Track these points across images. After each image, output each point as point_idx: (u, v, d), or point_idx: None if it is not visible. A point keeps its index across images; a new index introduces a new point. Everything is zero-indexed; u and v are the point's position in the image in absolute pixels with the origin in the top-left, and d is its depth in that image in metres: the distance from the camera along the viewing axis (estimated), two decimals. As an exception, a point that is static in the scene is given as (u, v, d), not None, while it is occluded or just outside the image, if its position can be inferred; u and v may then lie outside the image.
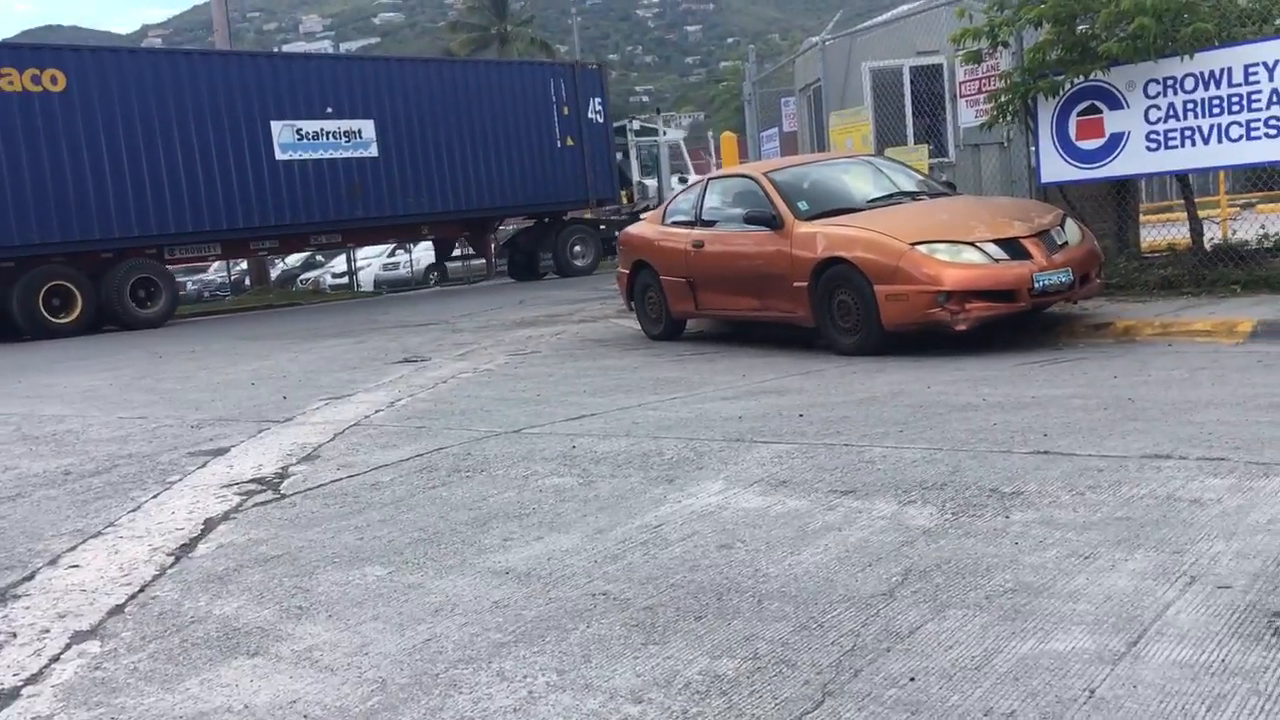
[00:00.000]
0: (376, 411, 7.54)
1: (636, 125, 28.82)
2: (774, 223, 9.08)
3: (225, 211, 19.47)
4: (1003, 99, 10.04)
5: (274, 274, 31.47)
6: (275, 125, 20.16)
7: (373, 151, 21.28)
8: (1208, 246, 10.10)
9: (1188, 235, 10.29)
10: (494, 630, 3.26)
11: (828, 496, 4.33)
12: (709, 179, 10.58)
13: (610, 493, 4.73)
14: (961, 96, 11.70)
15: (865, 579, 3.39)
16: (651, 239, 10.92)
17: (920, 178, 10.12)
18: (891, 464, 4.73)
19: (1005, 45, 10.06)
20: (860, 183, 9.70)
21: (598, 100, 24.23)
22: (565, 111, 23.56)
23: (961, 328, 7.89)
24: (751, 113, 15.35)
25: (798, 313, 8.96)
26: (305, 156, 20.52)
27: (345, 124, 20.99)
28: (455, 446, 6.04)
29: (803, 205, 9.14)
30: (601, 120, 24.31)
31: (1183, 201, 10.63)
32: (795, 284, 8.83)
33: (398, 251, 30.06)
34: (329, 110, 20.82)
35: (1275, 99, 8.55)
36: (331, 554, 4.22)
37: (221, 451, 6.45)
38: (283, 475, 5.70)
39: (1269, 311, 7.72)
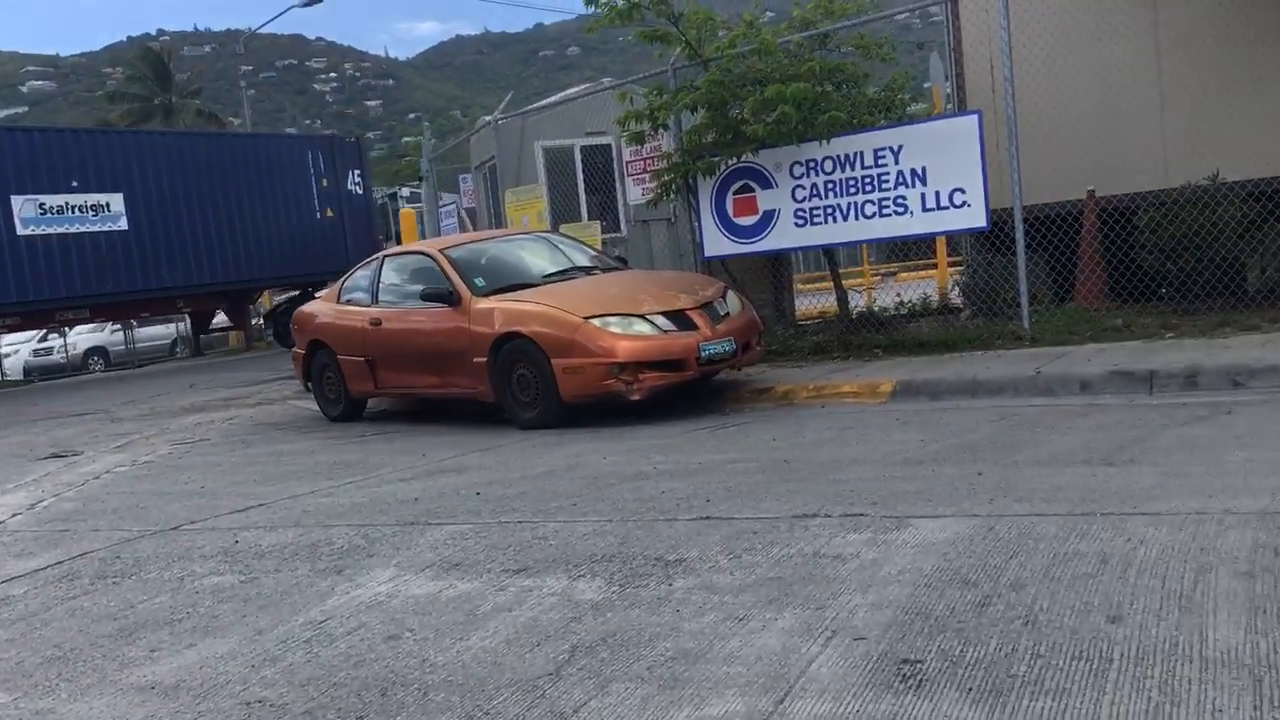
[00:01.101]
0: (13, 516, 6.83)
1: (406, 192, 28.72)
2: (451, 299, 9.08)
3: None
4: (665, 178, 10.57)
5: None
6: (15, 200, 19.38)
7: (123, 225, 20.73)
8: (854, 314, 10.99)
9: (836, 304, 11.16)
10: (132, 755, 2.99)
11: (500, 576, 4.30)
12: (384, 256, 10.45)
13: (274, 589, 4.49)
14: (629, 175, 12.22)
15: (533, 660, 3.37)
16: (327, 318, 10.63)
17: (594, 253, 10.44)
18: (564, 539, 4.78)
19: (665, 127, 10.62)
20: (536, 258, 9.87)
21: (357, 172, 24.53)
22: (324, 183, 23.70)
23: (636, 397, 8.16)
24: (429, 189, 15.33)
25: (479, 388, 8.96)
26: (49, 231, 19.78)
27: (93, 197, 20.37)
28: (102, 550, 5.55)
29: (479, 281, 9.20)
30: (361, 191, 24.59)
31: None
32: (475, 359, 8.84)
33: (50, 336, 27.70)
34: (74, 184, 20.11)
35: (901, 180, 9.48)
36: (-56, 685, 3.74)
37: None
38: (-109, 597, 5.02)
39: (906, 372, 8.47)
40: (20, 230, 19.37)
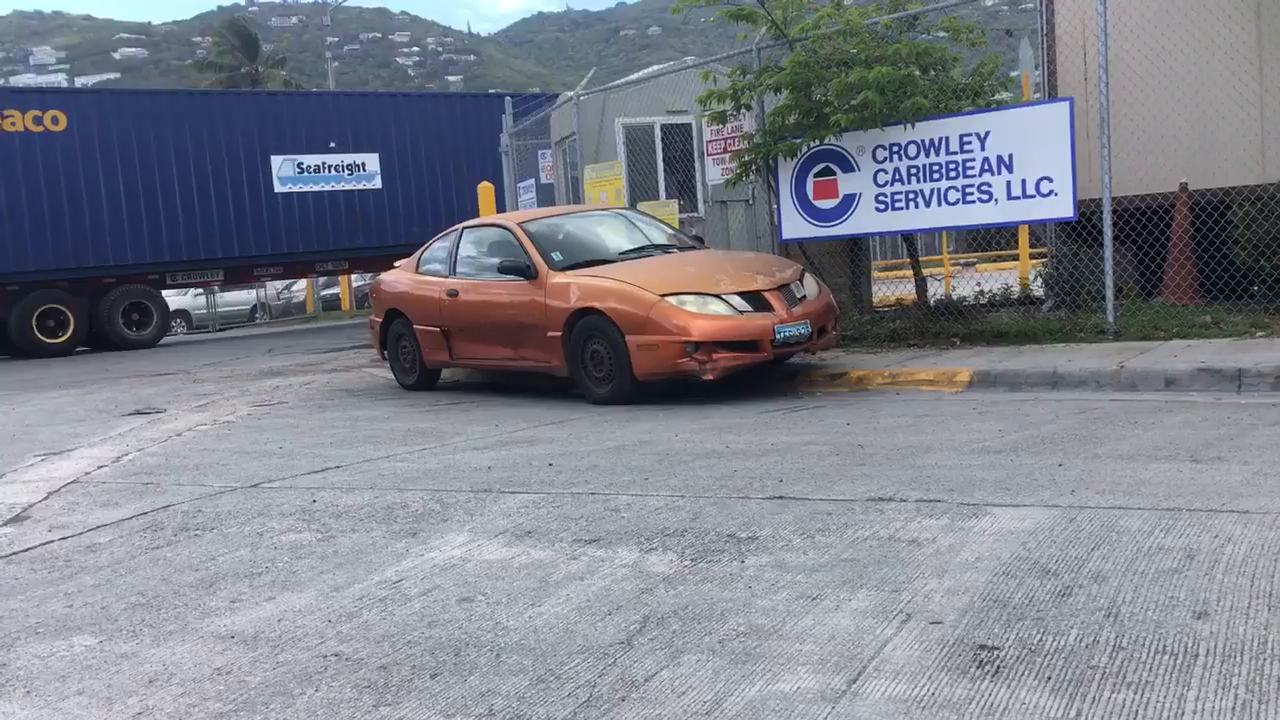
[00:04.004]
0: (99, 467, 7.03)
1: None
2: (528, 273, 9.12)
3: (221, 241, 21.21)
4: (746, 158, 10.49)
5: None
6: (275, 160, 21.72)
7: (376, 184, 22.83)
8: (931, 302, 10.83)
9: (914, 291, 11.02)
10: (213, 700, 3.06)
11: (572, 546, 4.32)
12: (464, 228, 10.53)
13: (350, 548, 4.57)
14: (709, 155, 12.15)
15: (605, 628, 3.39)
16: (405, 287, 10.75)
17: (671, 231, 10.41)
18: (636, 512, 4.79)
19: (748, 108, 10.53)
20: (613, 235, 9.88)
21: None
22: None
23: (709, 377, 8.13)
24: (509, 164, 15.40)
25: (552, 362, 9.01)
26: (305, 189, 22.13)
27: (349, 157, 22.58)
28: (185, 503, 5.69)
29: (557, 256, 9.23)
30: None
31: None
32: (549, 333, 8.88)
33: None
34: (331, 145, 22.29)
35: (986, 166, 9.30)
36: (35, 623, 3.86)
37: (-86, 515, 5.83)
38: (-15, 539, 5.20)
39: (984, 362, 8.34)
40: (278, 188, 21.62)
